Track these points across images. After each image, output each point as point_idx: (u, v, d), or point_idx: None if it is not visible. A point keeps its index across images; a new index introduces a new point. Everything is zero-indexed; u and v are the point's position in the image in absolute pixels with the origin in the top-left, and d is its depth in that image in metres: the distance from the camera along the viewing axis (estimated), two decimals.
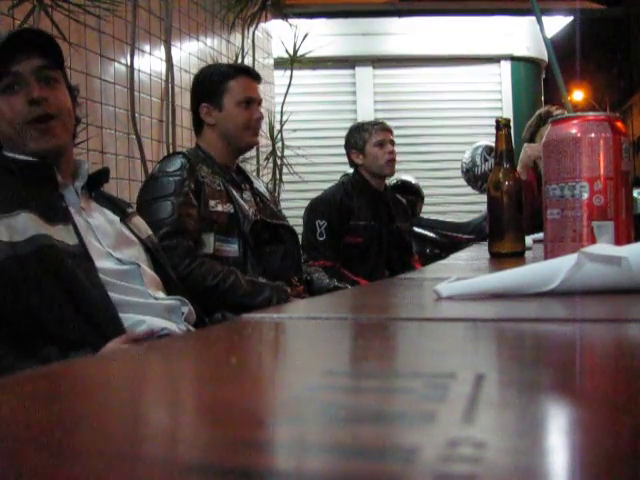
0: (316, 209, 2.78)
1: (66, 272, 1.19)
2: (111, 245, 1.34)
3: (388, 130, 2.87)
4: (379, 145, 2.79)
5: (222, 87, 1.96)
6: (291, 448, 0.20)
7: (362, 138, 2.82)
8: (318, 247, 2.67)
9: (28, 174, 1.29)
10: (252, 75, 2.05)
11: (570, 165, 0.81)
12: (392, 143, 2.85)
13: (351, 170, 2.93)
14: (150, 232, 1.52)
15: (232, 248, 1.87)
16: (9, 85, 1.27)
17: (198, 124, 2.03)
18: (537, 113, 2.91)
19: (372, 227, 2.77)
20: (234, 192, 1.92)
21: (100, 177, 1.46)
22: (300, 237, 2.55)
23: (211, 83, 1.99)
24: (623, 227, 0.81)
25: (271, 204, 2.07)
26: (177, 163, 1.86)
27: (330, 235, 2.71)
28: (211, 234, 1.83)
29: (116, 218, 1.42)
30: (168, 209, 1.76)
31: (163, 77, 3.06)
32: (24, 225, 1.18)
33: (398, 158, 2.92)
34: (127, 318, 1.25)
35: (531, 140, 2.82)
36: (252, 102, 1.99)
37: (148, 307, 1.29)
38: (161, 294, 1.37)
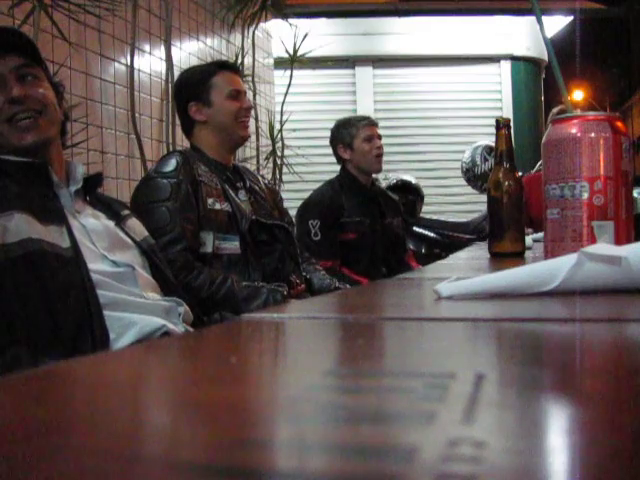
0: (307, 210, 2.80)
1: (51, 279, 1.18)
2: (106, 248, 1.33)
3: (375, 125, 2.90)
4: (367, 140, 2.82)
5: (207, 84, 1.99)
6: (291, 448, 0.20)
7: (349, 133, 2.84)
8: (314, 247, 2.66)
9: (22, 174, 1.28)
10: (232, 68, 2.09)
11: (570, 165, 0.81)
12: (379, 138, 2.87)
13: None
14: (146, 233, 1.51)
15: (233, 245, 1.87)
16: None
17: (188, 125, 2.05)
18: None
19: (363, 223, 2.78)
20: (230, 191, 1.93)
21: (94, 181, 1.46)
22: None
23: (196, 82, 2.02)
24: (623, 227, 0.81)
25: (267, 203, 2.07)
26: (173, 163, 1.86)
27: (325, 234, 2.72)
28: (210, 232, 1.83)
29: (111, 222, 1.41)
30: (165, 216, 1.76)
31: (163, 77, 3.06)
32: (17, 226, 1.18)
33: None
34: (122, 317, 1.24)
35: None
36: (239, 94, 2.02)
37: (145, 307, 1.29)
38: (156, 296, 1.36)
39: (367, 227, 2.79)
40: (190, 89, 2.03)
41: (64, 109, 1.45)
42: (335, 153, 2.90)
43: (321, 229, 2.71)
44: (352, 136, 2.83)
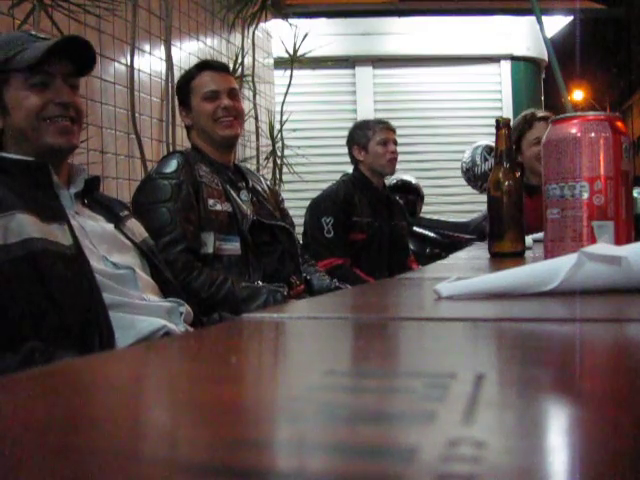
0: (320, 207, 2.80)
1: (55, 277, 1.19)
2: (106, 250, 1.34)
3: (392, 130, 2.92)
4: (382, 144, 2.84)
5: (187, 89, 2.03)
6: (291, 448, 0.20)
7: (366, 135, 2.86)
8: (327, 245, 2.70)
9: (24, 173, 1.29)
10: (215, 67, 2.08)
11: (570, 165, 0.81)
12: (395, 143, 2.90)
13: (351, 170, 2.96)
14: (145, 234, 1.52)
15: (233, 246, 1.87)
16: (38, 83, 1.32)
17: (186, 127, 2.11)
18: (521, 115, 2.80)
19: (373, 224, 2.80)
20: (232, 191, 1.93)
21: (92, 185, 1.46)
22: (300, 237, 2.55)
23: (179, 87, 2.08)
24: (623, 227, 0.81)
25: (268, 204, 2.08)
26: (173, 164, 1.87)
27: (337, 231, 2.73)
28: (211, 233, 1.83)
29: (110, 225, 1.42)
30: (166, 217, 1.76)
31: (163, 77, 3.06)
32: (19, 226, 1.18)
33: (398, 158, 2.93)
34: (123, 317, 1.24)
35: (517, 144, 2.69)
36: (218, 94, 2.00)
37: (146, 308, 1.30)
38: (156, 298, 1.37)
39: (376, 228, 2.80)
40: (178, 94, 2.10)
41: None
42: (350, 154, 2.92)
43: (334, 226, 2.73)
44: (368, 138, 2.86)
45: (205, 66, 2.06)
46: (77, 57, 1.36)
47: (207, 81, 2.01)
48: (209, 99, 1.99)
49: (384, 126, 2.90)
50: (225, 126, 1.99)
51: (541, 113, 2.64)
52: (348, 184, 2.86)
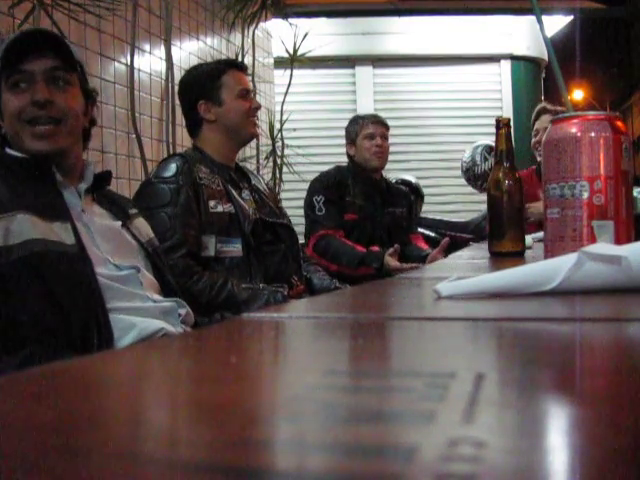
0: (313, 187, 2.86)
1: (56, 278, 1.18)
2: (109, 251, 1.32)
3: (380, 123, 2.92)
4: (368, 137, 2.87)
5: (217, 83, 1.99)
6: (291, 448, 0.20)
7: (354, 130, 2.91)
8: (318, 220, 2.75)
9: (27, 171, 1.28)
10: (240, 67, 2.10)
11: (570, 164, 0.81)
12: (383, 138, 2.90)
13: None
14: (152, 234, 1.51)
15: (235, 248, 1.86)
16: (16, 82, 1.28)
17: (194, 124, 2.04)
18: (537, 110, 2.98)
19: (366, 208, 2.82)
20: (233, 192, 1.92)
21: (102, 180, 1.45)
22: (300, 236, 2.56)
23: (206, 81, 2.01)
24: (623, 226, 0.81)
25: (270, 202, 2.07)
26: (173, 168, 1.85)
27: (329, 208, 2.77)
28: (212, 236, 1.82)
29: (117, 223, 1.40)
30: (165, 222, 1.75)
31: (163, 76, 3.06)
32: (20, 227, 1.17)
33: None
34: (122, 319, 1.24)
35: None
36: (248, 93, 2.04)
37: (144, 310, 1.29)
38: (158, 297, 1.36)
39: (369, 212, 2.83)
40: (199, 87, 2.01)
41: (91, 115, 1.45)
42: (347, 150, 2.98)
43: (325, 204, 2.77)
44: (356, 133, 2.89)
45: (233, 64, 2.08)
46: (61, 50, 1.31)
47: (239, 79, 2.02)
48: (243, 97, 2.00)
49: (371, 120, 2.91)
50: (254, 125, 2.04)
51: (549, 106, 2.81)
52: (343, 168, 2.91)
